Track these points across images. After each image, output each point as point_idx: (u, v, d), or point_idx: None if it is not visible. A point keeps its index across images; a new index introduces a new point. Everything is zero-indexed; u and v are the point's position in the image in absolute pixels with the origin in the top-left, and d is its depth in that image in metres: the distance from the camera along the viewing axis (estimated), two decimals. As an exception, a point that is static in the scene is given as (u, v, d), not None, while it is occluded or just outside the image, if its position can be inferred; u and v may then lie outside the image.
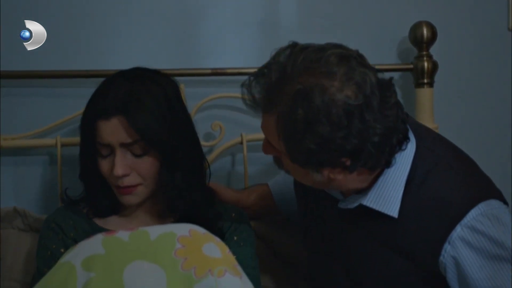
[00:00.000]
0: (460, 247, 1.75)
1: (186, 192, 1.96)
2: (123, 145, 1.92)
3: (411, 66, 2.43)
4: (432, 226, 1.77)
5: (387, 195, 1.79)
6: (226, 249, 1.71)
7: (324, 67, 1.67)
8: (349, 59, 1.69)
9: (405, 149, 1.77)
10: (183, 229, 1.70)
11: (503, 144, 2.55)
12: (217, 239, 1.72)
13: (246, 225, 2.04)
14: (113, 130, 1.91)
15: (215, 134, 2.38)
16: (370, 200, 1.81)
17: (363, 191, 1.82)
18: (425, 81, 2.42)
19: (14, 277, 2.16)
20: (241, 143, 2.38)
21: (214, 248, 1.69)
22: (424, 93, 2.42)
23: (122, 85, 1.93)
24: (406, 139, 1.77)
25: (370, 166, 1.73)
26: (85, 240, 1.71)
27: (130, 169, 1.93)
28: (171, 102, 1.95)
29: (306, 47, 1.71)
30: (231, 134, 2.39)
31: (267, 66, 1.73)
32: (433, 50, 2.43)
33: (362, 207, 1.82)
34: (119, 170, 1.91)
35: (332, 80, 1.66)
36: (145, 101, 1.91)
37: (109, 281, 1.62)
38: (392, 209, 1.80)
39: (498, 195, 1.81)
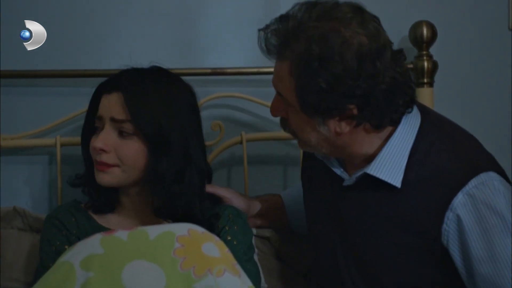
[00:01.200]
0: (462, 214, 1.77)
1: (171, 183, 1.94)
2: (113, 121, 1.93)
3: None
4: (434, 194, 1.80)
5: (391, 164, 1.82)
6: (225, 248, 1.71)
7: (339, 13, 1.75)
8: (363, 11, 1.78)
9: (411, 111, 1.83)
10: (182, 229, 1.70)
11: (503, 144, 2.55)
12: (216, 238, 1.72)
13: (241, 223, 2.03)
14: (110, 103, 1.94)
15: (215, 134, 2.38)
16: (374, 169, 1.83)
17: (368, 161, 1.84)
18: (425, 81, 2.42)
19: (14, 276, 2.15)
20: (241, 142, 2.38)
21: (213, 247, 1.69)
22: (424, 93, 2.41)
23: (134, 70, 1.99)
24: (413, 103, 1.83)
25: (375, 122, 1.79)
26: (83, 240, 1.70)
27: (111, 148, 1.93)
28: (178, 100, 1.97)
29: (321, 1, 1.79)
30: (230, 133, 2.39)
31: (284, 16, 1.80)
32: (433, 49, 2.43)
33: (366, 181, 1.85)
34: (99, 143, 1.93)
35: (347, 26, 1.74)
36: (149, 86, 1.95)
37: (108, 280, 1.61)
38: (396, 178, 1.82)
39: (499, 171, 1.83)
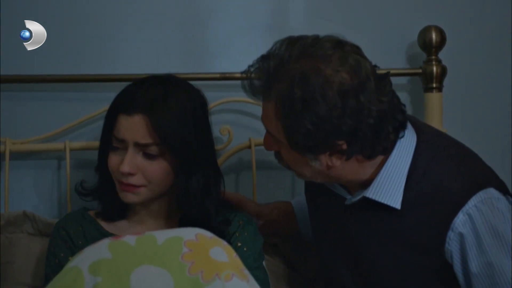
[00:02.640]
0: (463, 233, 1.77)
1: (200, 199, 1.95)
2: (137, 145, 1.92)
3: (420, 70, 2.43)
4: (435, 214, 1.79)
5: (389, 186, 1.82)
6: (233, 253, 1.71)
7: (319, 51, 1.74)
8: (343, 45, 1.76)
9: (403, 136, 1.82)
10: (190, 233, 1.70)
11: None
12: (224, 243, 1.72)
13: (251, 230, 2.03)
14: (132, 127, 1.91)
15: (224, 139, 2.38)
16: (373, 192, 1.83)
17: (366, 184, 1.84)
18: (434, 85, 2.42)
19: (24, 281, 2.16)
20: (250, 147, 2.38)
21: (221, 252, 1.69)
22: (433, 97, 2.41)
23: (152, 86, 1.95)
24: (404, 128, 1.81)
25: (367, 153, 1.78)
26: (92, 245, 1.71)
27: (137, 170, 1.93)
28: (196, 112, 1.96)
29: (302, 37, 1.78)
30: (239, 138, 2.39)
31: (265, 56, 1.79)
32: (442, 54, 2.42)
33: (366, 201, 1.84)
34: (125, 167, 1.91)
35: (327, 63, 1.73)
36: (171, 105, 1.92)
37: (116, 285, 1.62)
38: (395, 200, 1.82)
39: (498, 185, 1.83)
